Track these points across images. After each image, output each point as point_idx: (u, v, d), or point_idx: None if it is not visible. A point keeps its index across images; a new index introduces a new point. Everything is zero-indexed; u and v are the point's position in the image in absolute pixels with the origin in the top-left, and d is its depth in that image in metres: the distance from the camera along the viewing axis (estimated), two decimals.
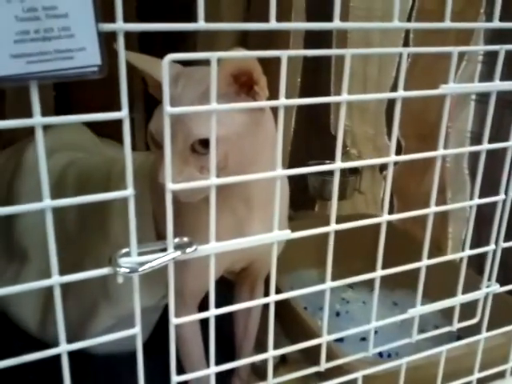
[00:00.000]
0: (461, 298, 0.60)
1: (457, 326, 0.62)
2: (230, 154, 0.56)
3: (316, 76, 1.28)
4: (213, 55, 0.39)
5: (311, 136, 1.34)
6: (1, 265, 0.86)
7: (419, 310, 0.58)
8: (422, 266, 0.56)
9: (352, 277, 0.53)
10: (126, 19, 0.35)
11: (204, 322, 0.77)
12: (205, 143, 0.54)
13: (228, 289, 0.79)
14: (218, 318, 0.47)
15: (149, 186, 0.72)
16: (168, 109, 0.39)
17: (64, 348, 0.42)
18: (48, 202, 0.38)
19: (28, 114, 0.37)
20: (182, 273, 0.65)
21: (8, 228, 0.87)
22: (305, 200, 1.30)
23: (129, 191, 0.40)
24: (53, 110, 1.21)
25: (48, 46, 0.34)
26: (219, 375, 0.49)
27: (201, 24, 0.38)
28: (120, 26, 0.35)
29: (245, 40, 1.23)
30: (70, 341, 0.42)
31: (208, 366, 0.49)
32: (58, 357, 0.67)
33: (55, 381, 0.75)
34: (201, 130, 0.54)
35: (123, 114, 0.38)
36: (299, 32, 1.21)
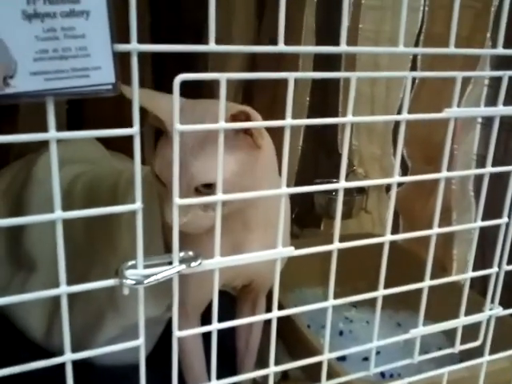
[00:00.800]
0: (463, 320, 0.61)
1: (459, 348, 0.62)
2: (230, 191, 0.56)
3: (324, 96, 1.30)
4: (222, 76, 0.40)
5: (319, 155, 1.35)
6: (8, 274, 0.87)
7: (421, 330, 0.58)
8: (424, 287, 0.56)
9: (356, 296, 0.54)
10: (140, 38, 0.37)
11: (206, 336, 0.78)
12: (208, 184, 0.57)
13: (230, 303, 0.79)
14: (221, 332, 0.48)
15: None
16: (178, 126, 0.40)
17: (69, 357, 0.43)
18: (59, 214, 0.39)
19: (40, 127, 0.38)
20: (184, 285, 0.66)
21: (17, 238, 0.89)
22: (311, 218, 1.31)
23: (137, 205, 0.41)
24: (65, 124, 1.23)
25: (65, 65, 0.35)
26: None
27: (212, 46, 0.39)
28: (134, 46, 0.37)
29: (254, 60, 1.26)
30: (75, 350, 0.43)
31: (209, 379, 0.49)
32: (62, 366, 0.68)
33: None
34: (204, 175, 0.56)
35: (134, 130, 0.39)
36: (309, 54, 1.24)
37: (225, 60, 1.23)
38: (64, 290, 0.41)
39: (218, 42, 0.39)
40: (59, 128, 0.38)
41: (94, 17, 0.35)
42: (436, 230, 0.54)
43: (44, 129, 0.38)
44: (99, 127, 0.38)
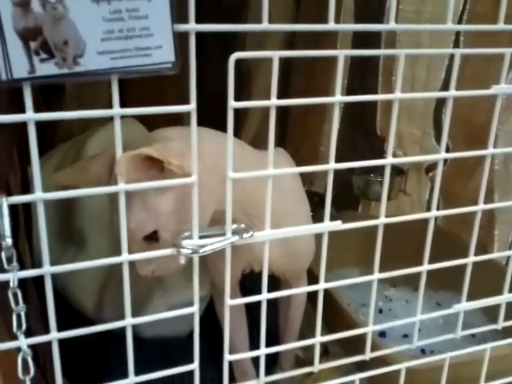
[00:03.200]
0: (507, 297, 0.61)
1: (502, 324, 0.63)
2: (182, 224, 0.55)
3: (363, 79, 1.29)
4: (274, 54, 0.42)
5: (356, 137, 1.35)
6: (59, 249, 0.91)
7: (464, 305, 0.59)
8: (468, 263, 0.57)
9: (395, 277, 0.54)
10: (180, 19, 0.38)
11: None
12: (150, 234, 0.56)
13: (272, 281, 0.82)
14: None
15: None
16: (232, 103, 0.42)
17: (129, 321, 0.46)
18: (122, 186, 0.42)
19: (86, 109, 0.40)
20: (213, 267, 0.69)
21: (68, 216, 0.93)
22: (348, 200, 1.32)
23: (193, 178, 0.43)
24: (108, 105, 1.27)
25: (129, 44, 0.38)
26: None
27: (265, 25, 0.41)
28: (192, 26, 0.39)
29: (293, 39, 1.26)
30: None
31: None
32: (114, 338, 0.72)
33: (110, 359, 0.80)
34: (140, 227, 0.56)
35: (192, 107, 0.41)
36: (347, 33, 1.23)
37: (261, 44, 1.24)
38: (126, 257, 0.44)
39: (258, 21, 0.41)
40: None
41: None
42: (481, 206, 0.55)
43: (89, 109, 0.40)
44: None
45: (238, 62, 0.41)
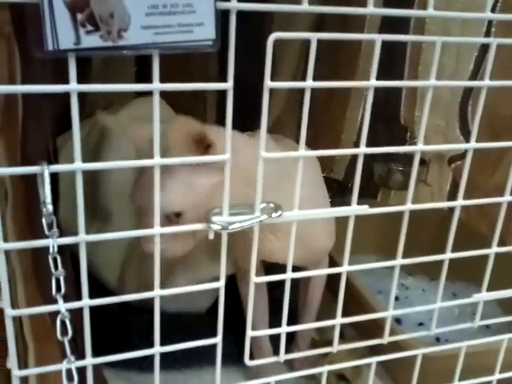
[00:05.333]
0: None
1: None
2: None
3: (389, 65, 1.28)
4: (313, 36, 0.42)
5: (378, 125, 1.34)
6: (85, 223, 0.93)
7: (484, 295, 0.59)
8: (490, 253, 0.57)
9: (412, 266, 0.55)
10: None
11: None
12: (175, 214, 0.59)
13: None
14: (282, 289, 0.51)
15: None
16: (269, 83, 0.42)
17: (157, 293, 0.47)
18: (158, 160, 0.42)
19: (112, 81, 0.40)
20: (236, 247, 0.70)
21: (92, 191, 0.94)
22: (368, 188, 1.32)
23: (226, 156, 0.44)
24: (132, 81, 1.28)
25: (172, 20, 0.38)
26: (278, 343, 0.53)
27: (305, 6, 0.41)
28: (234, 5, 0.39)
29: (321, 23, 1.25)
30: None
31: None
32: (136, 310, 0.73)
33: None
34: (171, 204, 0.58)
35: (229, 85, 0.42)
36: (375, 19, 1.22)
37: (289, 27, 1.23)
38: (158, 230, 0.45)
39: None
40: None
41: None
42: (508, 197, 0.55)
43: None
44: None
45: (262, 45, 0.41)
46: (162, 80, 0.41)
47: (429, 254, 0.56)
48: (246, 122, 0.58)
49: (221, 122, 0.47)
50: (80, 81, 0.38)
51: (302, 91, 0.44)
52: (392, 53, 1.27)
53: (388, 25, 1.19)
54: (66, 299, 0.41)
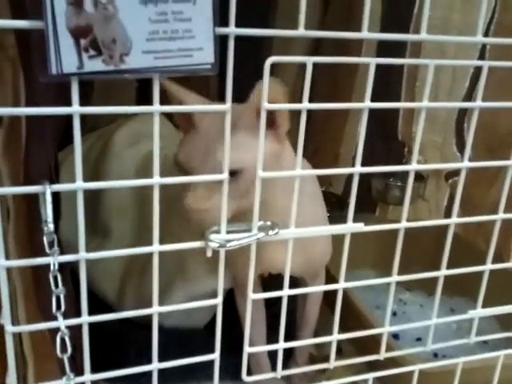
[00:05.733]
0: None
1: None
2: (253, 181, 0.56)
3: (386, 83, 1.30)
4: (309, 59, 0.43)
5: (376, 141, 1.36)
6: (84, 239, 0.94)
7: (480, 312, 0.60)
8: (485, 270, 0.58)
9: (410, 281, 0.55)
10: None
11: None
12: (231, 172, 0.56)
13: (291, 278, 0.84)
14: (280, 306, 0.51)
15: None
16: (265, 105, 0.44)
17: (156, 309, 0.48)
18: (157, 179, 0.43)
19: (113, 103, 0.42)
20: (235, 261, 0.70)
21: (93, 207, 0.95)
22: (366, 203, 1.33)
23: (224, 175, 0.45)
24: (134, 101, 1.30)
25: (173, 45, 0.39)
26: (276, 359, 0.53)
27: (301, 31, 0.43)
28: (232, 30, 0.41)
29: (319, 45, 1.27)
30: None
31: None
32: (135, 325, 0.73)
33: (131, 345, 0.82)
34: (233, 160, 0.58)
35: (227, 107, 0.43)
36: (372, 40, 1.24)
37: (288, 48, 1.25)
38: (156, 248, 0.46)
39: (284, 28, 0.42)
40: (129, 104, 0.42)
41: (199, 2, 0.39)
42: (501, 215, 0.56)
43: (116, 103, 0.41)
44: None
45: (261, 64, 0.42)
46: (162, 96, 0.42)
47: (428, 269, 0.57)
48: None
49: None
50: (82, 94, 0.39)
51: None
52: (390, 69, 1.29)
53: (386, 42, 1.21)
54: (66, 316, 0.42)
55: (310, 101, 0.43)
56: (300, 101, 0.44)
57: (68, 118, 0.39)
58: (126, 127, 1.00)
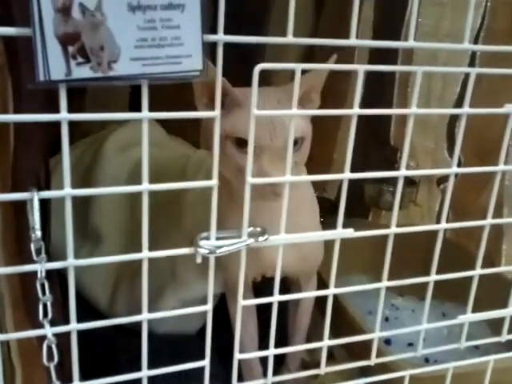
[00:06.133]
0: (511, 310, 0.62)
1: (506, 337, 0.64)
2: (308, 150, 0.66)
3: (378, 88, 1.30)
4: (297, 66, 0.44)
5: (369, 146, 1.36)
6: (76, 244, 0.93)
7: (469, 316, 0.60)
8: (474, 275, 0.58)
9: (402, 286, 0.56)
10: None
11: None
12: (295, 142, 0.62)
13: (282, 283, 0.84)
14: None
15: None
16: (255, 111, 0.44)
17: (145, 316, 0.48)
18: (146, 186, 0.43)
19: (106, 110, 0.42)
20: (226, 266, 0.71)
21: (84, 213, 0.95)
22: (359, 208, 1.33)
23: (214, 181, 0.45)
24: (127, 106, 1.30)
25: (161, 52, 0.40)
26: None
27: (290, 39, 0.43)
28: (221, 37, 0.41)
29: (311, 52, 1.28)
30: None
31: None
32: (126, 332, 0.73)
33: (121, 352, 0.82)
34: (297, 129, 0.61)
35: (216, 113, 0.43)
36: (364, 47, 1.25)
37: (281, 54, 1.26)
38: (146, 254, 0.46)
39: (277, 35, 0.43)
40: (122, 110, 0.42)
41: (188, 9, 0.39)
42: (490, 220, 0.56)
43: (110, 110, 0.41)
44: (160, 110, 0.42)
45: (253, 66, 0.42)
46: (158, 95, 0.42)
47: (420, 274, 0.57)
48: None
49: None
50: (74, 102, 0.39)
51: None
52: (382, 74, 1.30)
53: (378, 49, 1.22)
54: (54, 323, 0.42)
55: None
56: None
57: (58, 125, 0.39)
58: (117, 133, 1.00)
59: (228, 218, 0.60)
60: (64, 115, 0.39)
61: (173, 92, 1.00)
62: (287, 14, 0.42)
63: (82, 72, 0.38)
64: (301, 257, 0.71)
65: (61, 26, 0.37)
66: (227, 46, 0.42)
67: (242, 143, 0.61)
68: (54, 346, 0.39)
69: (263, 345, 0.61)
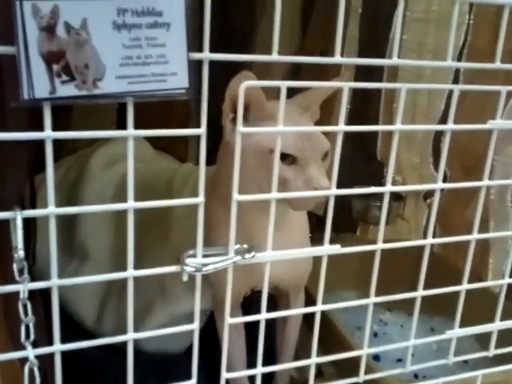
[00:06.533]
0: (499, 325, 0.62)
1: (493, 352, 0.64)
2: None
3: (364, 104, 1.32)
4: (282, 83, 0.44)
5: (356, 161, 1.37)
6: (62, 263, 0.92)
7: (457, 332, 0.60)
8: (461, 290, 0.59)
9: (391, 301, 0.56)
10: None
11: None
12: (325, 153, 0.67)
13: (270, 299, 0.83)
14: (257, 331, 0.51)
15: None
16: (241, 129, 0.44)
17: (131, 336, 0.47)
18: (131, 203, 0.43)
19: (93, 126, 0.42)
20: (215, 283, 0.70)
21: (70, 230, 0.94)
22: (347, 223, 1.33)
23: (200, 198, 0.45)
24: (115, 123, 1.29)
25: (146, 70, 0.40)
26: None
27: (274, 56, 0.43)
28: (207, 55, 0.41)
29: (298, 67, 1.29)
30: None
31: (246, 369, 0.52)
32: (112, 350, 0.72)
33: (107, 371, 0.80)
34: (326, 143, 0.66)
35: (202, 130, 0.43)
36: (351, 55, 1.26)
37: (268, 69, 1.27)
38: (131, 273, 0.45)
39: (264, 51, 0.43)
40: (109, 126, 0.42)
41: (173, 28, 0.39)
42: (475, 235, 0.57)
43: (97, 126, 0.41)
44: (146, 127, 0.42)
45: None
46: (145, 112, 0.41)
47: (409, 289, 0.57)
48: None
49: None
50: (60, 119, 0.39)
51: None
52: (368, 90, 1.31)
53: (363, 66, 1.23)
54: (37, 344, 0.41)
55: None
56: None
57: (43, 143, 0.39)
58: (103, 149, 1.00)
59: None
60: (48, 133, 0.39)
61: (160, 108, 1.00)
62: (271, 35, 0.43)
63: (67, 90, 0.38)
64: (292, 268, 0.71)
65: (45, 45, 0.37)
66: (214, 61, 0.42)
67: (284, 157, 0.63)
68: (35, 369, 0.38)
69: (252, 360, 0.60)
